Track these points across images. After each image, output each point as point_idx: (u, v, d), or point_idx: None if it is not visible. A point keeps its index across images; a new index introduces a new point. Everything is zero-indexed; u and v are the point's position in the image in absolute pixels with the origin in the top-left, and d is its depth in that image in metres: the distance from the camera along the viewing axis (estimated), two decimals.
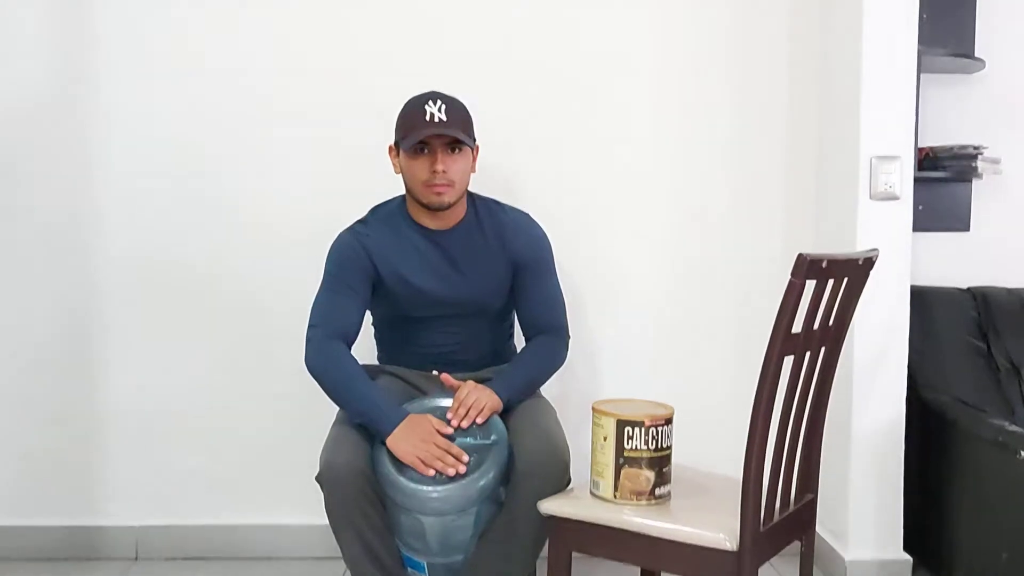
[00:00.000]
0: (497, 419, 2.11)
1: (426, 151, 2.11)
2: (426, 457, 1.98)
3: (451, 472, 1.97)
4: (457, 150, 2.13)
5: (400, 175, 2.20)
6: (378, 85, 2.67)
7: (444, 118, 2.08)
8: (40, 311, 2.74)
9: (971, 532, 2.34)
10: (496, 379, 2.17)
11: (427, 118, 2.08)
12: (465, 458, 2.00)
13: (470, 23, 2.71)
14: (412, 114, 2.12)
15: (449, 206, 2.16)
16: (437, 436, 2.02)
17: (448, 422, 2.06)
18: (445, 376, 2.15)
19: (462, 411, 2.06)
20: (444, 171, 2.10)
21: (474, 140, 2.17)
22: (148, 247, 2.73)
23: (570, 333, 2.30)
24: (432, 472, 1.97)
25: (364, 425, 2.06)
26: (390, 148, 2.20)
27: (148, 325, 2.75)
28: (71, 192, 2.72)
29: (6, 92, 2.69)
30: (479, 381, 2.24)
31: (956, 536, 2.40)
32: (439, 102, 2.10)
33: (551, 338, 2.27)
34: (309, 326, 2.15)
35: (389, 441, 2.00)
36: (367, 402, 2.07)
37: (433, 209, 2.16)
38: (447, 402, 2.13)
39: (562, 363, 2.28)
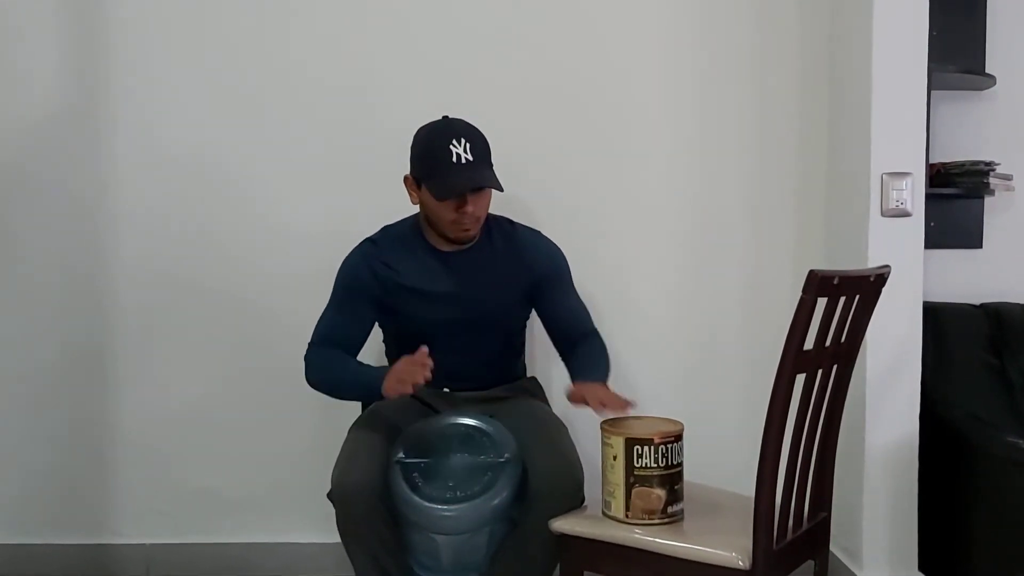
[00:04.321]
0: (510, 438, 2.11)
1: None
2: (402, 376, 1.96)
3: (420, 380, 1.94)
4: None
5: (417, 205, 2.20)
6: (390, 102, 2.69)
7: (471, 158, 2.07)
8: (52, 330, 2.75)
9: (987, 551, 2.32)
10: (584, 371, 2.11)
11: (453, 160, 2.06)
12: (429, 363, 1.97)
13: (482, 41, 2.73)
14: (436, 156, 2.08)
15: (474, 238, 2.18)
16: (414, 358, 2.00)
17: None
18: (572, 389, 2.03)
19: (616, 403, 1.96)
20: (473, 210, 2.11)
21: (493, 169, 2.15)
22: (160, 263, 2.74)
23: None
24: (409, 389, 1.94)
25: (367, 396, 2.08)
26: (406, 179, 2.18)
27: (160, 342, 2.76)
28: (82, 206, 2.74)
29: (19, 105, 2.72)
30: (490, 400, 2.25)
31: (971, 555, 2.38)
32: (463, 140, 2.07)
33: (595, 339, 2.26)
34: (308, 344, 2.20)
35: (383, 390, 1.98)
36: (359, 374, 2.11)
37: (458, 242, 2.18)
38: (460, 419, 2.14)
39: None
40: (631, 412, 1.94)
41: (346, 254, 2.24)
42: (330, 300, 2.23)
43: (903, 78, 2.42)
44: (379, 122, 2.69)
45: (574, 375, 2.14)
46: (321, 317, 2.22)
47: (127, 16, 2.71)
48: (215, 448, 2.77)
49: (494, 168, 2.14)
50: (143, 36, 2.71)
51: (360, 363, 2.18)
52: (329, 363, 2.16)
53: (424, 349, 2.00)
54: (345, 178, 2.73)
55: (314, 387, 2.18)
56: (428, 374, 1.95)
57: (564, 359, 2.27)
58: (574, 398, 1.99)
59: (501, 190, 2.11)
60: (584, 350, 2.24)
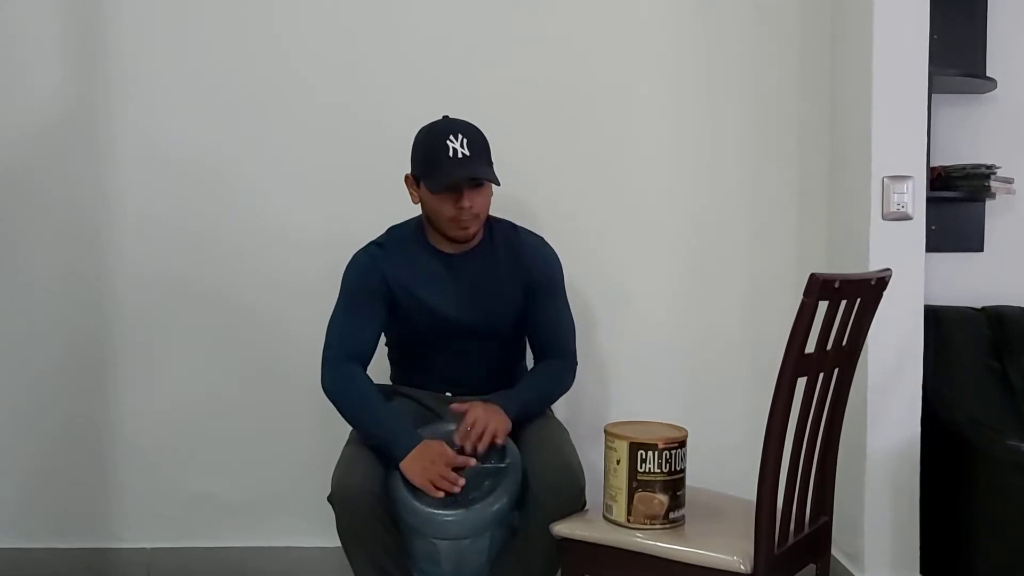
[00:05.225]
0: (511, 443, 2.10)
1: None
2: (435, 479, 1.97)
3: (457, 489, 1.97)
4: (482, 183, 2.12)
5: (418, 205, 2.20)
6: (391, 108, 2.69)
7: (467, 152, 2.07)
8: (53, 334, 2.75)
9: (989, 554, 2.32)
10: (502, 396, 2.15)
11: (450, 154, 2.06)
12: (459, 481, 2.00)
13: (483, 45, 2.73)
14: (433, 150, 2.09)
15: (473, 237, 2.17)
16: (450, 459, 2.01)
17: (459, 448, 2.05)
18: (454, 405, 2.14)
19: (473, 435, 2.04)
20: (471, 207, 2.10)
21: (493, 168, 2.15)
22: (161, 266, 2.74)
23: (577, 360, 2.30)
24: (442, 494, 1.96)
25: (377, 448, 2.06)
26: (407, 178, 2.19)
27: (161, 345, 2.76)
28: (83, 209, 2.73)
29: (21, 110, 2.71)
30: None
31: (973, 558, 2.38)
32: (460, 136, 2.08)
33: (559, 362, 2.27)
34: (325, 347, 2.16)
35: (402, 465, 2.00)
36: (382, 426, 2.08)
37: (458, 242, 2.17)
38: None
39: (567, 388, 2.28)
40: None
41: (348, 258, 2.24)
42: (339, 303, 2.21)
43: (904, 81, 2.42)
44: (379, 126, 2.68)
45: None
46: (332, 320, 2.19)
47: (128, 22, 2.70)
48: (216, 452, 2.77)
49: (494, 167, 2.14)
50: (144, 42, 2.71)
51: (387, 414, 2.11)
52: (356, 394, 2.12)
53: (451, 454, 2.02)
54: (345, 183, 2.72)
55: (329, 399, 2.14)
56: (456, 488, 1.98)
57: None
58: (456, 410, 2.09)
59: (497, 184, 2.11)
60: (534, 371, 2.27)
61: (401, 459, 2.00)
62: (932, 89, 2.49)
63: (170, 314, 2.75)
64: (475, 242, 2.21)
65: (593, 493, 2.03)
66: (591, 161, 2.75)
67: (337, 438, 2.17)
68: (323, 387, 2.14)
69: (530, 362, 2.44)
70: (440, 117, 2.17)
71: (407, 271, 2.20)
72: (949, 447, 2.45)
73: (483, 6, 2.73)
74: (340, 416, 2.15)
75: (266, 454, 2.76)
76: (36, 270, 2.74)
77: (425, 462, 1.99)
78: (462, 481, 1.99)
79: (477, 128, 2.14)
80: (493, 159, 2.17)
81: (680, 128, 2.76)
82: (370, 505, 1.97)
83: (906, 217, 2.44)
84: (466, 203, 2.09)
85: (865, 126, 2.45)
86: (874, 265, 2.41)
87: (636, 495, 1.86)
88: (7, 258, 2.74)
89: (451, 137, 2.08)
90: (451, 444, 2.07)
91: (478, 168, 2.09)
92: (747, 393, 2.72)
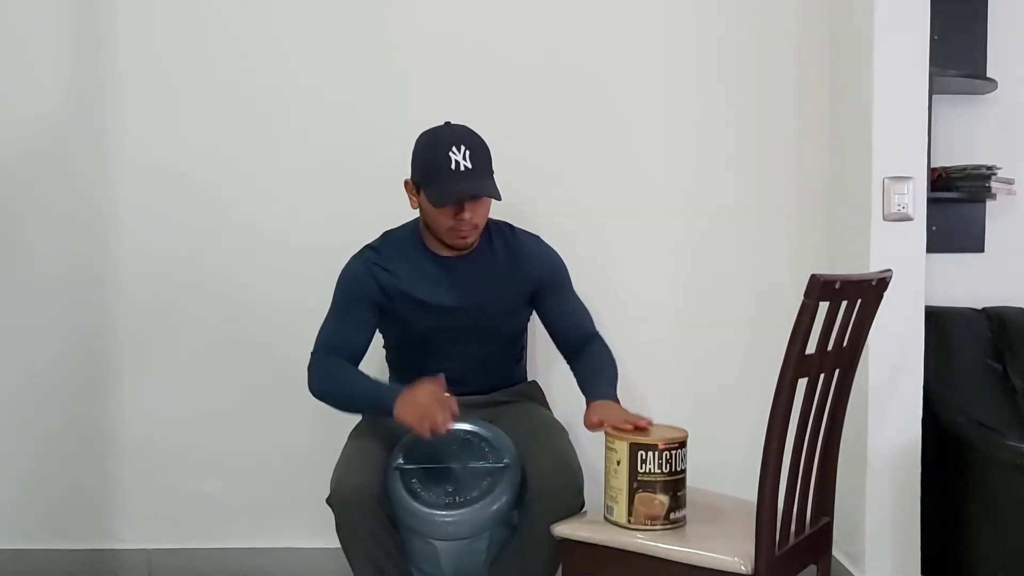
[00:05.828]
0: (509, 443, 2.10)
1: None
2: (432, 417, 1.93)
3: (441, 429, 1.93)
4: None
5: (416, 210, 2.20)
6: (391, 111, 2.69)
7: (469, 165, 2.06)
8: (53, 333, 2.75)
9: (990, 555, 2.32)
10: (599, 389, 2.11)
11: (452, 167, 2.05)
12: (455, 410, 1.96)
13: (484, 51, 2.73)
14: (435, 161, 2.07)
15: (472, 245, 2.17)
16: (437, 392, 1.98)
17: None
18: (589, 424, 2.03)
19: (640, 423, 1.97)
20: (470, 218, 2.09)
21: (494, 178, 2.14)
22: (162, 270, 2.74)
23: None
24: (428, 434, 1.93)
25: (375, 412, 2.04)
26: (406, 183, 2.18)
27: (161, 348, 2.76)
28: (85, 214, 2.74)
29: (23, 115, 2.72)
30: (491, 405, 2.25)
31: (974, 559, 2.37)
32: (462, 147, 2.06)
33: (598, 344, 2.26)
34: (312, 352, 2.17)
35: (396, 411, 1.97)
36: (369, 390, 2.08)
37: (456, 249, 2.17)
38: (459, 425, 2.13)
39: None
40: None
41: (347, 260, 2.24)
42: (331, 307, 2.21)
43: (904, 82, 2.42)
44: (387, 136, 2.66)
45: (586, 393, 2.13)
46: (323, 325, 2.20)
47: (131, 21, 2.71)
48: (216, 453, 2.77)
49: (494, 175, 2.14)
50: (146, 43, 2.71)
51: (368, 378, 2.12)
52: (335, 375, 2.12)
53: (442, 378, 1.99)
54: (346, 185, 2.72)
55: (318, 398, 2.14)
56: (450, 424, 1.94)
57: (570, 364, 2.28)
58: (592, 425, 1.98)
59: (499, 199, 2.10)
60: (589, 362, 2.24)
61: (393, 406, 1.98)
62: (932, 90, 2.49)
63: (170, 315, 2.76)
64: (473, 246, 2.21)
65: (593, 494, 2.03)
66: (591, 163, 2.75)
67: (337, 439, 2.17)
68: (310, 390, 2.14)
69: (529, 363, 2.44)
70: (442, 123, 2.16)
71: (403, 274, 2.19)
72: (950, 448, 2.45)
73: (479, 10, 2.73)
74: (338, 415, 2.15)
75: (267, 455, 2.76)
76: (37, 271, 2.74)
77: (416, 400, 1.96)
78: (454, 412, 1.95)
79: (479, 137, 2.12)
80: (494, 163, 2.16)
81: (680, 129, 2.76)
82: (369, 506, 1.97)
83: (907, 218, 2.44)
84: (466, 215, 2.09)
85: (866, 127, 2.45)
86: (875, 266, 2.41)
87: (637, 496, 1.85)
88: (8, 260, 2.74)
89: (453, 148, 2.06)
90: (450, 445, 2.07)
91: (480, 183, 2.08)
92: (748, 394, 2.72)
